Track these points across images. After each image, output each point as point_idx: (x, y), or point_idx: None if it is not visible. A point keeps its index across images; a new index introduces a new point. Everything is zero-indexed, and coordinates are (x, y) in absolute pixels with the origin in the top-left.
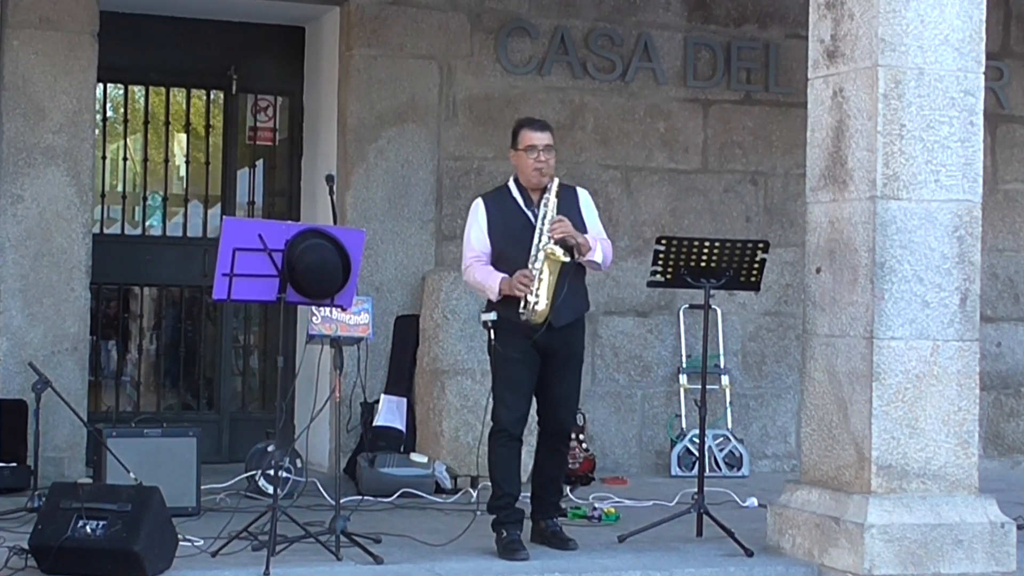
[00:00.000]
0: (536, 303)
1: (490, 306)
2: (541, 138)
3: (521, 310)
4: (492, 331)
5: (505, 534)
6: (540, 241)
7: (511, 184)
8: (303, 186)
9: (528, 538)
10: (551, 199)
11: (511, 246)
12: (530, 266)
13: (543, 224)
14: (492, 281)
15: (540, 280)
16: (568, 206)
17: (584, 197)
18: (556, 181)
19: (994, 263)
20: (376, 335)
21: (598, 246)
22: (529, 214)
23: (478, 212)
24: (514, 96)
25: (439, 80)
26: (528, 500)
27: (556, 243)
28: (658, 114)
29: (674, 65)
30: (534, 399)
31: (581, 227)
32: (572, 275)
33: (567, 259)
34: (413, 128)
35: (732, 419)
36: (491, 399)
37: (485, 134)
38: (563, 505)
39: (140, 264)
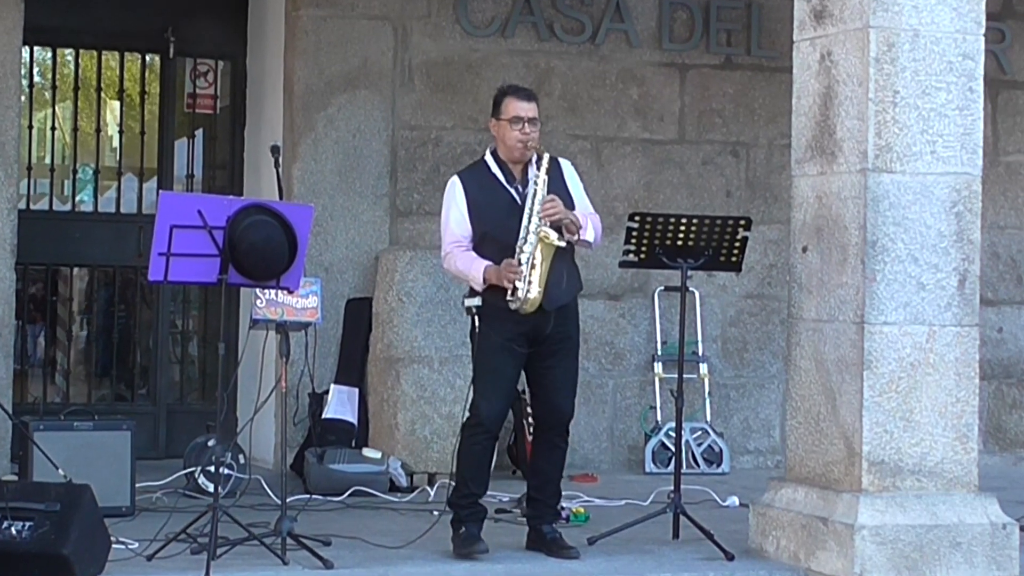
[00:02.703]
0: (528, 291)
1: (474, 291)
2: (528, 109)
3: (509, 298)
4: (476, 318)
5: (463, 530)
6: (531, 223)
7: (488, 158)
8: (246, 158)
9: (523, 545)
10: (542, 176)
11: (495, 228)
12: (518, 249)
13: (533, 204)
14: (476, 271)
15: (532, 266)
16: (554, 181)
17: (568, 169)
18: (547, 156)
19: (995, 241)
20: (325, 320)
21: (589, 224)
22: (512, 191)
23: (456, 192)
24: (475, 60)
25: (393, 43)
26: (503, 499)
27: (549, 225)
28: (631, 80)
29: (648, 26)
30: (528, 392)
31: (569, 203)
32: (565, 256)
33: (562, 243)
34: (365, 95)
35: (711, 411)
36: (471, 391)
37: (443, 101)
38: (562, 507)
39: (70, 243)
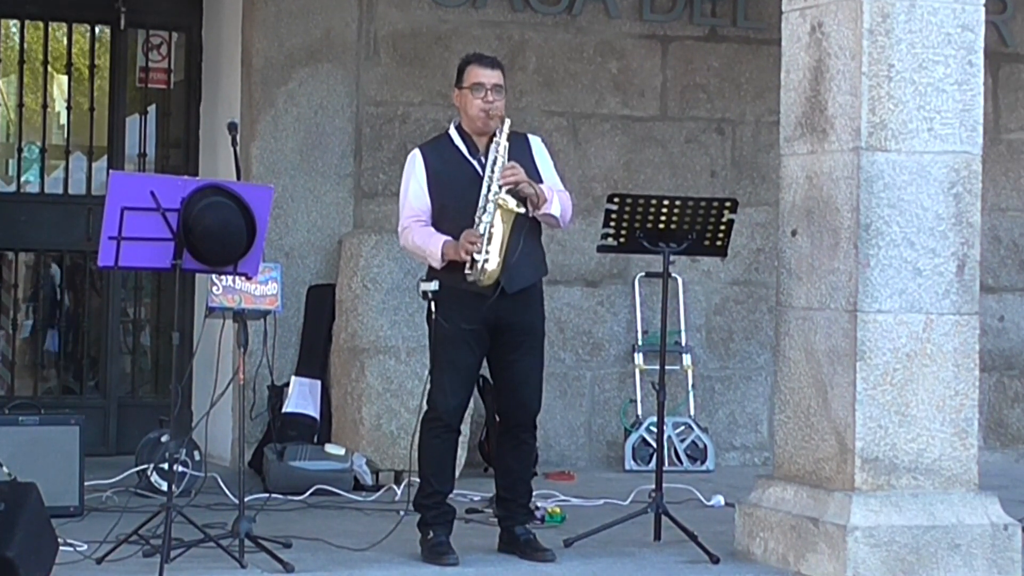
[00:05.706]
0: (486, 261)
1: (431, 273)
2: (490, 76)
3: (467, 270)
4: (433, 303)
5: (432, 535)
6: (489, 191)
7: (452, 131)
8: (202, 136)
9: (495, 547)
10: (502, 143)
11: (455, 200)
12: (477, 219)
13: (492, 171)
14: (434, 245)
15: (491, 235)
16: (519, 155)
17: (537, 145)
18: (507, 123)
19: (996, 224)
20: (285, 308)
21: (555, 197)
22: (475, 164)
23: (415, 165)
24: (444, 32)
25: (358, 13)
26: (474, 498)
27: (508, 192)
28: (610, 53)
29: None
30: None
31: (536, 178)
32: (527, 232)
33: (521, 210)
34: (328, 69)
35: (695, 405)
36: (428, 382)
37: (411, 76)
38: (536, 506)
39: (14, 226)
